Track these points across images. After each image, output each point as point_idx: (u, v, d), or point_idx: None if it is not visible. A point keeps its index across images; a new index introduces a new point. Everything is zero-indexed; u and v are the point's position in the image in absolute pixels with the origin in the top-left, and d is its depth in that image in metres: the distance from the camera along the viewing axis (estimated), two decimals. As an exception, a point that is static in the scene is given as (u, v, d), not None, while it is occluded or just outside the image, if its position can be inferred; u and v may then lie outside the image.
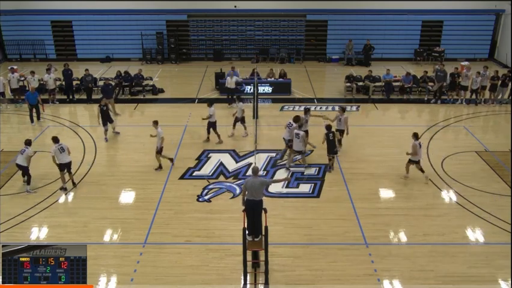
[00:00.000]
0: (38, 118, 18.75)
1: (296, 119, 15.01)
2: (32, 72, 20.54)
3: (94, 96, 21.60)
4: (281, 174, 14.78)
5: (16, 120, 19.66)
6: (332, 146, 14.63)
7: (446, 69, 21.18)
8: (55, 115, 19.64)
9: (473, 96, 20.84)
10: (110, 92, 19.68)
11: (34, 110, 18.61)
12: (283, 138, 15.32)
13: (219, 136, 16.82)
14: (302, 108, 20.59)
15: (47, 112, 19.63)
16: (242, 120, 17.28)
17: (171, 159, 15.25)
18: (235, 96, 20.00)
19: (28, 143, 13.71)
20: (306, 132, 15.72)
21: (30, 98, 18.36)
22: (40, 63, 27.22)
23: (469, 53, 28.25)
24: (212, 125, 16.67)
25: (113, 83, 20.56)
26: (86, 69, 21.45)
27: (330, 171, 14.81)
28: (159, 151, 14.77)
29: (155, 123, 14.88)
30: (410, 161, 14.16)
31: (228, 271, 10.45)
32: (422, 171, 14.22)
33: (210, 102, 16.92)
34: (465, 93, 20.93)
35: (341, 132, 16.00)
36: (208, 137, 16.94)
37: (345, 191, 13.78)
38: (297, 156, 15.25)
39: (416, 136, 13.94)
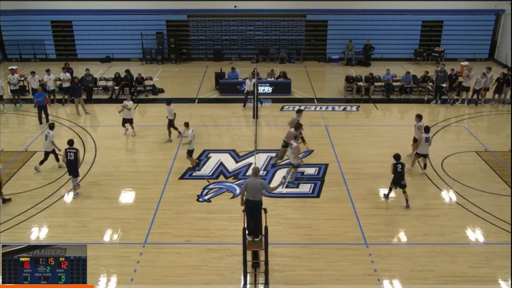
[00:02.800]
0: (47, 120, 18.64)
1: (297, 125, 14.78)
2: (33, 73, 20.54)
3: (94, 96, 21.70)
4: (282, 174, 14.75)
5: (16, 121, 19.66)
6: (400, 177, 12.81)
7: (446, 70, 21.17)
8: (55, 115, 19.63)
9: (475, 97, 20.84)
10: (79, 91, 19.84)
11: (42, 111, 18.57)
12: (283, 140, 15.18)
13: (178, 131, 17.22)
14: (302, 108, 20.68)
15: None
16: (171, 122, 17.05)
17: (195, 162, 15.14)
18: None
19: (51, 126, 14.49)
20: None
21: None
22: (40, 63, 27.24)
23: (469, 53, 28.25)
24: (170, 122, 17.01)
25: (78, 81, 20.47)
26: (87, 69, 21.48)
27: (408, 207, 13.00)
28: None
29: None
30: (418, 154, 14.52)
31: (228, 271, 10.45)
32: (425, 167, 14.62)
33: (168, 101, 17.26)
34: (467, 94, 20.91)
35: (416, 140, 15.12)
36: (170, 137, 17.15)
37: (345, 191, 13.78)
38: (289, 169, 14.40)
39: (427, 130, 14.36)
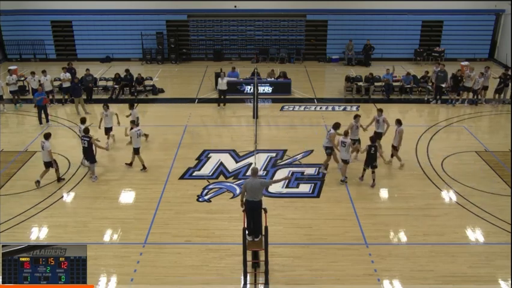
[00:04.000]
0: (47, 120, 18.69)
1: (336, 125, 14.37)
2: (33, 73, 20.53)
3: (94, 96, 21.70)
4: (281, 174, 14.76)
5: (16, 121, 19.66)
6: (372, 159, 13.70)
7: (446, 70, 21.16)
8: (55, 115, 19.62)
9: (474, 97, 20.83)
10: (79, 91, 19.87)
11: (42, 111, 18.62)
12: (323, 146, 14.65)
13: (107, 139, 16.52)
14: (302, 108, 20.71)
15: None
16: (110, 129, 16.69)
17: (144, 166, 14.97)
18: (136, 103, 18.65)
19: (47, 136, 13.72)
20: (358, 140, 15.06)
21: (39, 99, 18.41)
22: (40, 63, 27.24)
23: (469, 53, 28.25)
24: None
25: (77, 81, 20.41)
26: (87, 69, 21.46)
27: (361, 181, 14.15)
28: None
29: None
30: (394, 147, 14.88)
31: (228, 271, 10.45)
32: (392, 156, 15.16)
33: (131, 104, 17.03)
34: (467, 94, 20.90)
35: (380, 135, 15.24)
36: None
37: (345, 191, 13.78)
38: (340, 164, 14.32)
39: (400, 122, 14.73)
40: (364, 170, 14.08)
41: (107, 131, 16.56)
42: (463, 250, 11.25)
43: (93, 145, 14.09)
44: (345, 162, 14.02)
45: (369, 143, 13.69)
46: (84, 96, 20.71)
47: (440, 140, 17.29)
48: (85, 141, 13.94)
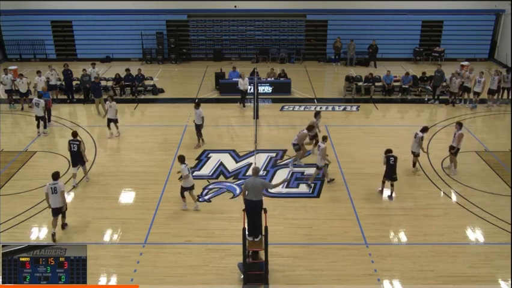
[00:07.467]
0: (49, 120, 18.63)
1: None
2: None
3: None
4: (282, 174, 14.76)
5: (16, 121, 19.64)
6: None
7: (443, 70, 21.15)
8: (56, 115, 19.60)
9: (475, 97, 20.75)
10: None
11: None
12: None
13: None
14: (302, 108, 20.71)
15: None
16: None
17: None
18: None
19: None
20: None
21: None
22: (40, 63, 27.22)
23: (469, 53, 28.25)
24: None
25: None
26: (84, 69, 21.39)
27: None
28: None
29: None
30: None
31: (228, 271, 10.45)
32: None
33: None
34: (468, 95, 20.88)
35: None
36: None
37: (345, 191, 13.78)
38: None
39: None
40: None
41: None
42: (463, 250, 11.26)
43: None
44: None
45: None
46: (82, 96, 20.63)
47: (440, 140, 17.27)
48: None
